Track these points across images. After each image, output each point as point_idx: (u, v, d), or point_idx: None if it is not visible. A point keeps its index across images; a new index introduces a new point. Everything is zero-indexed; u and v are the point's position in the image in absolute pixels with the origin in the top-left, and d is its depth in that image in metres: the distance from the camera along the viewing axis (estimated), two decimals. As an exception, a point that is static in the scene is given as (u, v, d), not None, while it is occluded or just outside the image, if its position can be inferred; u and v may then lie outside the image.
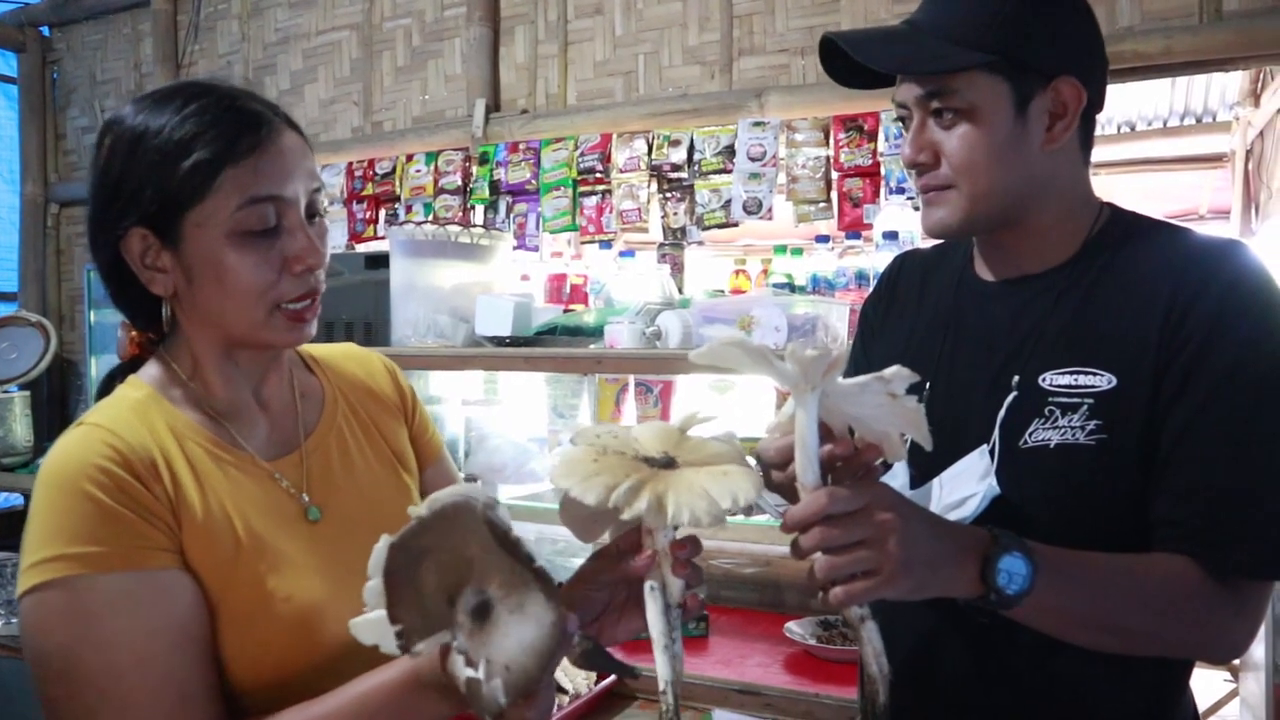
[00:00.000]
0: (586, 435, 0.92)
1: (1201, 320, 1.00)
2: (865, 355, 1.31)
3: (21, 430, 3.72)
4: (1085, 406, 1.02)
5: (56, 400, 4.08)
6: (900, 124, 1.13)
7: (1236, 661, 2.19)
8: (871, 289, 1.37)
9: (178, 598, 0.93)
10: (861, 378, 0.88)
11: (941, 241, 1.26)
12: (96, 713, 0.88)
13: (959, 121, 1.05)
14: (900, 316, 1.27)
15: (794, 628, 2.22)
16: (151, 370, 1.05)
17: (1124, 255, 1.08)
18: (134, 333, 1.09)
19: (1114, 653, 1.01)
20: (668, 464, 0.88)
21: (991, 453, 1.07)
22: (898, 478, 1.10)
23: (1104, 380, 1.02)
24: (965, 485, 1.06)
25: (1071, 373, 1.04)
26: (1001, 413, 1.07)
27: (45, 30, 4.14)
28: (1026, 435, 1.05)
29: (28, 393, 3.80)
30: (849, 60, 1.09)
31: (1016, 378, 1.07)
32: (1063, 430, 1.03)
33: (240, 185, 0.96)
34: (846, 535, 0.86)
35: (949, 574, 0.92)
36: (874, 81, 1.13)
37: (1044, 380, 1.05)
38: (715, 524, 0.82)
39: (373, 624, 0.80)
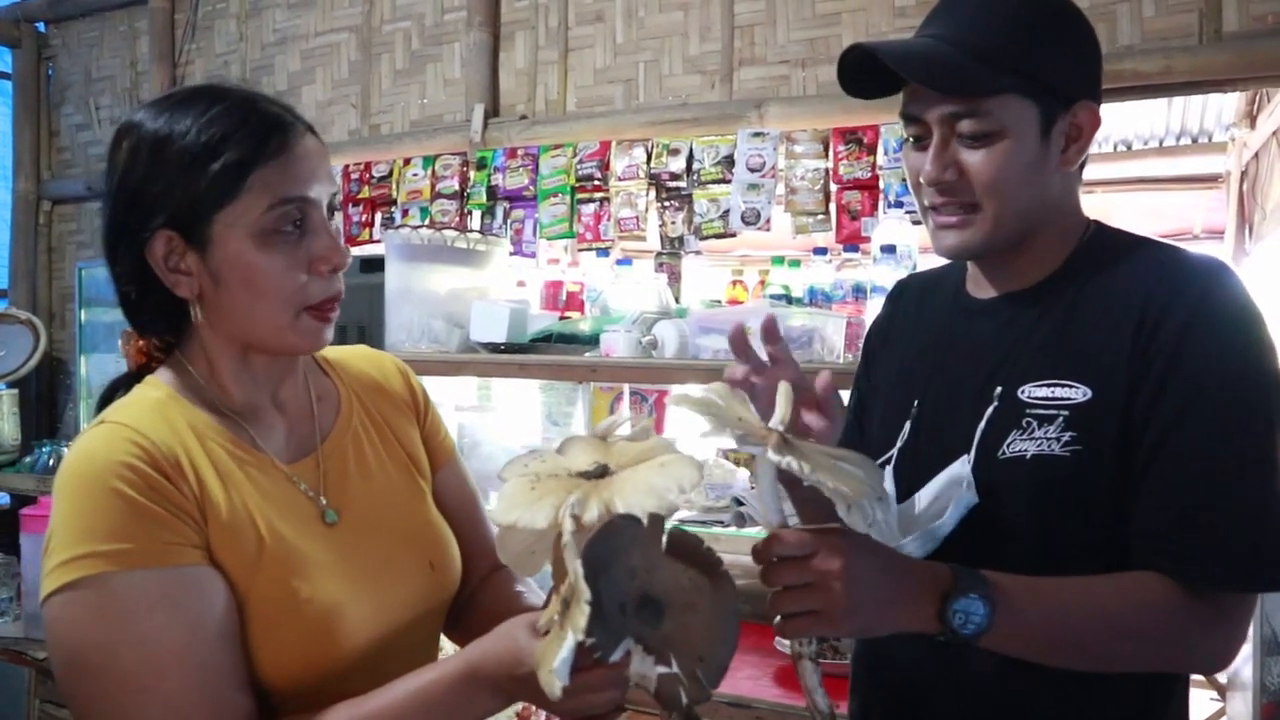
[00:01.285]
0: (514, 468, 0.92)
1: (1171, 333, 1.00)
2: (868, 380, 1.32)
3: (9, 429, 3.69)
4: (1061, 418, 1.03)
5: (45, 399, 4.05)
6: (912, 140, 1.12)
7: (1224, 680, 2.20)
8: (873, 318, 1.39)
9: (212, 592, 0.94)
10: (817, 466, 0.89)
11: (945, 263, 1.26)
12: (137, 709, 0.88)
13: (989, 142, 1.05)
14: (899, 340, 1.29)
15: (784, 641, 2.21)
16: (168, 372, 1.05)
17: (1105, 270, 1.09)
18: (139, 341, 1.08)
19: (1092, 672, 1.02)
20: (603, 472, 0.88)
21: (971, 463, 1.08)
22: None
23: (1080, 392, 1.03)
24: (945, 495, 1.07)
25: (1049, 385, 1.05)
26: (981, 424, 1.08)
27: (41, 26, 4.12)
28: (1005, 446, 1.06)
29: (16, 391, 3.78)
30: (861, 69, 1.08)
31: (999, 389, 1.08)
32: (1039, 441, 1.04)
33: (269, 186, 0.97)
34: (791, 578, 0.91)
35: (903, 613, 0.96)
36: (879, 92, 1.12)
37: (1023, 392, 1.06)
38: (669, 512, 0.83)
39: (558, 671, 0.78)
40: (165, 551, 0.91)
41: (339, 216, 3.17)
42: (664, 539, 0.84)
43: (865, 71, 1.09)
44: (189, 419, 1.00)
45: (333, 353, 1.22)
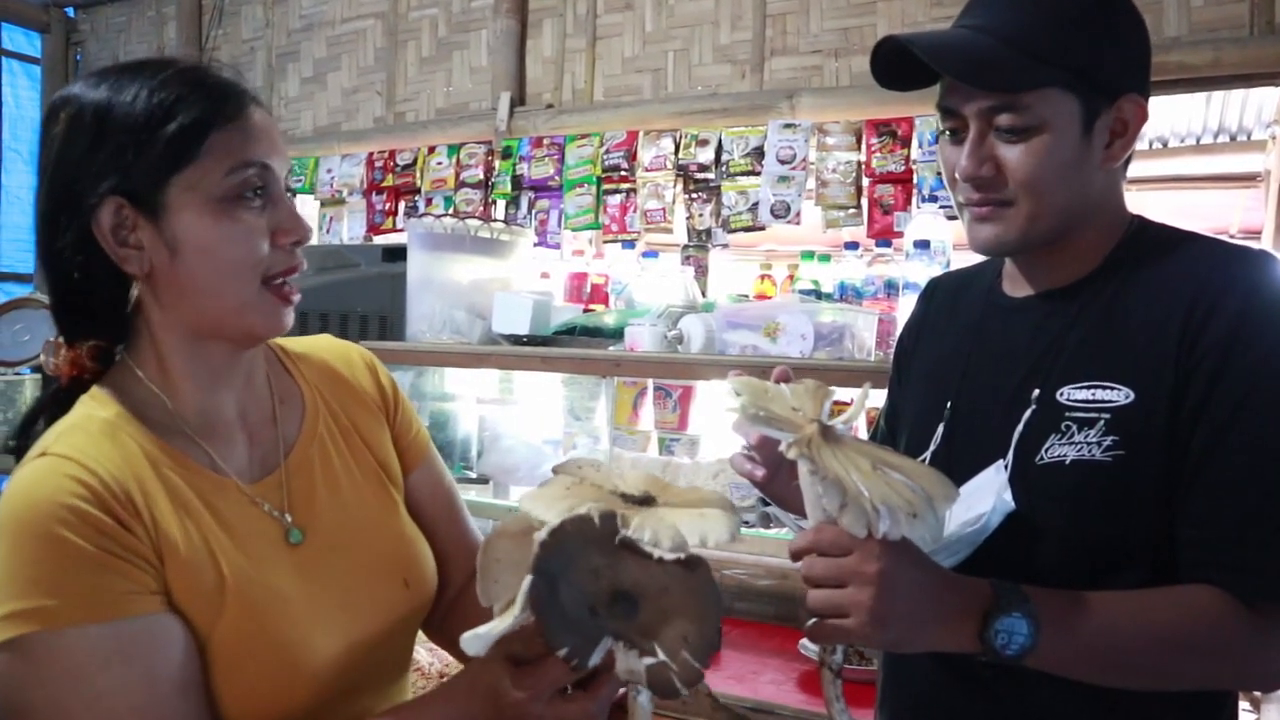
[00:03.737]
0: (568, 467, 0.93)
1: (1220, 332, 0.96)
2: (899, 382, 1.30)
3: (31, 413, 3.69)
4: (1102, 422, 0.99)
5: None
6: (948, 133, 1.08)
7: (1258, 692, 2.14)
8: (905, 319, 1.35)
9: (169, 642, 0.86)
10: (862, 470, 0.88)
11: (981, 260, 1.22)
12: None
13: (1027, 137, 1.01)
14: (931, 340, 1.26)
15: (809, 644, 2.17)
16: (115, 379, 0.96)
17: (1146, 266, 1.05)
18: (69, 350, 0.96)
19: (1139, 690, 0.98)
20: (644, 501, 0.88)
21: (1008, 469, 1.04)
22: None
23: (1122, 395, 0.99)
24: (981, 502, 1.03)
25: (1089, 387, 1.01)
26: (1019, 428, 1.05)
27: (70, 11, 4.14)
28: (1042, 451, 1.02)
29: (39, 376, 3.78)
30: (896, 61, 1.05)
31: (1036, 391, 1.05)
32: (1079, 446, 1.00)
33: (229, 149, 0.91)
34: (827, 574, 0.88)
35: (940, 632, 0.92)
36: (914, 84, 1.08)
37: (1061, 395, 1.03)
38: (674, 552, 0.82)
39: (483, 638, 0.82)
40: (116, 602, 0.84)
41: (358, 201, 3.15)
42: (616, 536, 0.82)
43: (900, 63, 1.05)
44: (141, 443, 0.92)
45: (295, 345, 1.14)
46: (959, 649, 0.92)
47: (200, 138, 0.90)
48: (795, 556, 0.91)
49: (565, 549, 0.79)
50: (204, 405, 0.97)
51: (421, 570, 1.09)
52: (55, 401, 0.96)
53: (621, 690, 0.86)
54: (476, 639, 0.81)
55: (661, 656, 0.79)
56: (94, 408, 0.93)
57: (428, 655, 2.04)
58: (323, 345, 1.17)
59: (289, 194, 0.99)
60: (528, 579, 0.78)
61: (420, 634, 1.15)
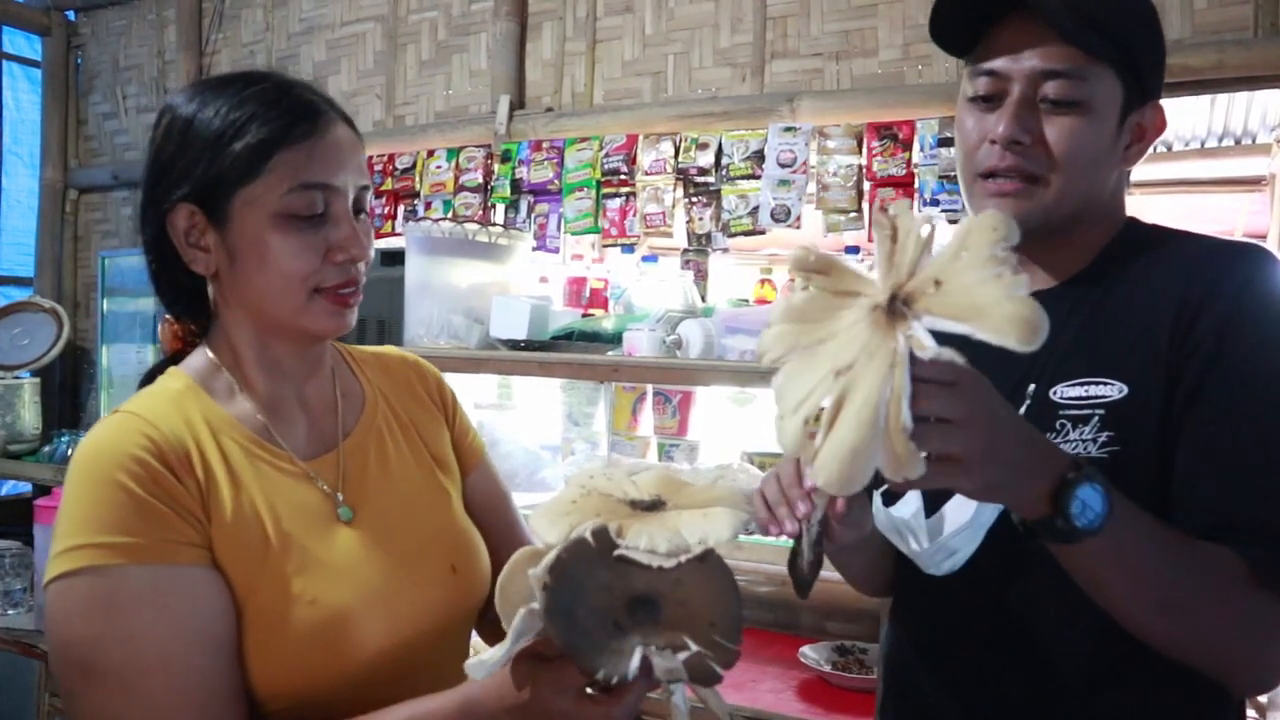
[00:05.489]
0: (579, 477, 0.92)
1: (1213, 323, 0.95)
2: None
3: (30, 417, 3.68)
4: (1096, 418, 0.98)
5: (68, 388, 4.05)
6: (979, 99, 1.04)
7: (1264, 700, 2.12)
8: None
9: (206, 596, 0.92)
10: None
11: None
12: (119, 707, 0.88)
13: (1072, 112, 1.00)
14: None
15: (809, 652, 2.16)
16: (194, 362, 1.06)
17: (1139, 263, 1.05)
18: (175, 326, 1.10)
19: (1149, 637, 0.93)
20: (654, 506, 0.87)
21: None
22: (909, 504, 1.06)
23: (1115, 390, 0.98)
24: (973, 503, 1.00)
25: (1082, 384, 1.00)
26: None
27: (70, 15, 4.13)
28: None
29: (38, 379, 3.77)
30: (957, 13, 1.03)
31: (1032, 387, 1.03)
32: (1074, 444, 0.99)
33: (292, 169, 0.98)
34: (941, 405, 0.73)
35: (1025, 484, 0.82)
36: (959, 43, 1.06)
37: (1054, 393, 1.01)
38: (671, 558, 0.81)
39: (487, 664, 0.83)
40: (162, 549, 0.90)
41: (371, 212, 3.14)
42: (612, 549, 0.82)
43: (957, 13, 1.03)
44: (205, 412, 1.01)
45: (361, 351, 1.23)
46: (1031, 510, 0.84)
47: (265, 156, 0.97)
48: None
49: (570, 578, 0.79)
50: (270, 389, 1.06)
51: (471, 559, 1.13)
52: (160, 369, 1.08)
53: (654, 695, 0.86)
54: (481, 665, 0.82)
55: (694, 647, 0.79)
56: (168, 381, 1.04)
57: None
58: (390, 352, 1.26)
59: (363, 212, 1.05)
60: (521, 611, 0.79)
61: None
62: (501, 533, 1.21)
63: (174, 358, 1.08)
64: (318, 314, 1.02)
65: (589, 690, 0.83)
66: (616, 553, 0.80)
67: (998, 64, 1.02)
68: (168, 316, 1.10)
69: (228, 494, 0.96)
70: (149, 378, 1.08)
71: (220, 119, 0.99)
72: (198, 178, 0.98)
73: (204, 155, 0.98)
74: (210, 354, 1.05)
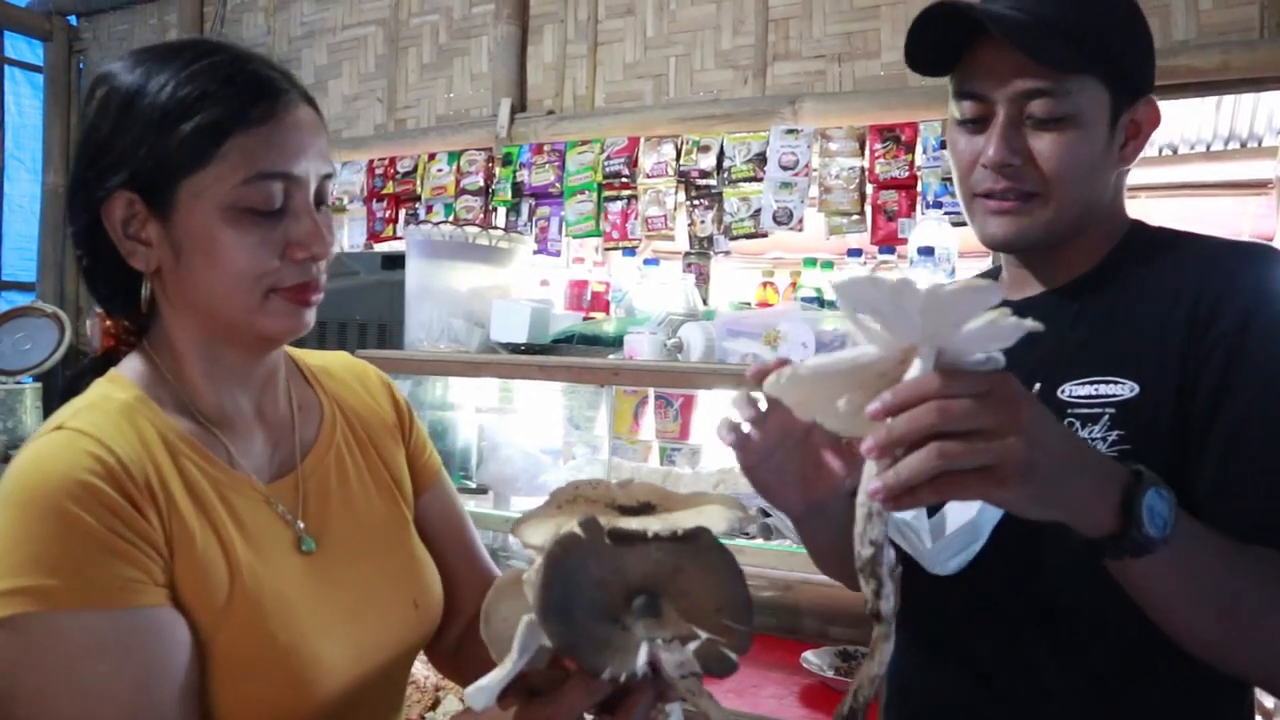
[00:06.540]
0: (566, 489, 0.85)
1: (1231, 323, 0.94)
2: None
3: (31, 422, 3.68)
4: (1106, 417, 0.98)
5: (69, 393, 4.03)
6: (967, 122, 1.04)
7: (1271, 705, 2.10)
8: None
9: (170, 642, 0.81)
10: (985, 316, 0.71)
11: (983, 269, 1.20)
12: None
13: (1060, 128, 0.99)
14: None
15: (811, 658, 2.14)
16: (135, 364, 0.93)
17: (1148, 264, 1.03)
18: (108, 322, 0.96)
19: (1204, 649, 0.89)
20: (642, 510, 0.83)
21: None
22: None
23: (1126, 388, 0.97)
24: (976, 504, 0.98)
25: (1091, 383, 0.99)
26: None
27: (72, 19, 4.14)
28: None
29: (40, 385, 3.77)
30: (933, 32, 1.01)
31: (1038, 386, 1.01)
32: None
33: (249, 156, 0.86)
34: (966, 415, 0.68)
35: (1081, 496, 0.77)
36: (938, 66, 1.05)
37: (1063, 392, 1.00)
38: (666, 529, 0.78)
39: (487, 689, 0.76)
40: (122, 590, 0.78)
41: (358, 209, 3.13)
42: (605, 535, 0.78)
43: (931, 40, 1.02)
44: (160, 428, 0.88)
45: (313, 358, 1.11)
46: (1095, 526, 0.79)
47: (217, 141, 0.85)
48: (901, 407, 0.69)
49: (563, 573, 0.75)
50: (217, 399, 0.94)
51: (430, 593, 1.05)
52: (95, 368, 0.94)
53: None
54: (481, 691, 0.76)
55: (704, 635, 0.75)
56: (111, 389, 0.89)
57: (423, 669, 2.00)
58: (340, 360, 1.14)
59: (321, 205, 0.92)
60: (524, 619, 0.75)
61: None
62: (458, 556, 1.12)
63: (105, 358, 0.96)
64: (273, 314, 0.90)
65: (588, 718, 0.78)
66: (610, 527, 0.77)
67: (979, 87, 1.01)
68: (99, 310, 0.96)
69: (195, 525, 0.85)
70: (76, 381, 0.94)
71: (166, 95, 0.85)
72: (139, 162, 0.85)
73: (146, 137, 0.85)
74: (151, 357, 0.93)
